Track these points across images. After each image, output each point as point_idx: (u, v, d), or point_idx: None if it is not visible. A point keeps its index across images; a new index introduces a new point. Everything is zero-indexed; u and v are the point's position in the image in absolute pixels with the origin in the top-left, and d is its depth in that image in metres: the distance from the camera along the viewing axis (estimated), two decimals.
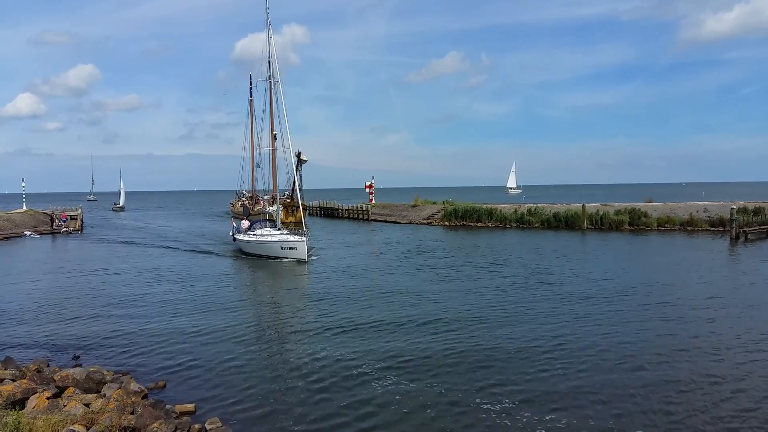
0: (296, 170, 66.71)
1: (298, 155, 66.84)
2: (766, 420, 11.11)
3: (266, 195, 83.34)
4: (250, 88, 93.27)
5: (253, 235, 38.78)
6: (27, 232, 56.91)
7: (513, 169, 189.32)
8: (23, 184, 69.49)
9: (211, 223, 76.80)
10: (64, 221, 63.26)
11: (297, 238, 35.66)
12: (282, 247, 35.61)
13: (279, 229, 39.49)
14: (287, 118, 39.52)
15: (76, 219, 65.71)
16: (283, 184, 77.69)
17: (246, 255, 38.09)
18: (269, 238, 36.85)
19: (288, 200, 69.58)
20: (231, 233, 42.36)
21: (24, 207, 67.43)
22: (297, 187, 69.57)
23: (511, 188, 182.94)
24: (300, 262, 34.39)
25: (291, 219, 66.17)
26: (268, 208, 44.18)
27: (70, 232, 60.75)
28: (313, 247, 36.79)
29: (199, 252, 41.02)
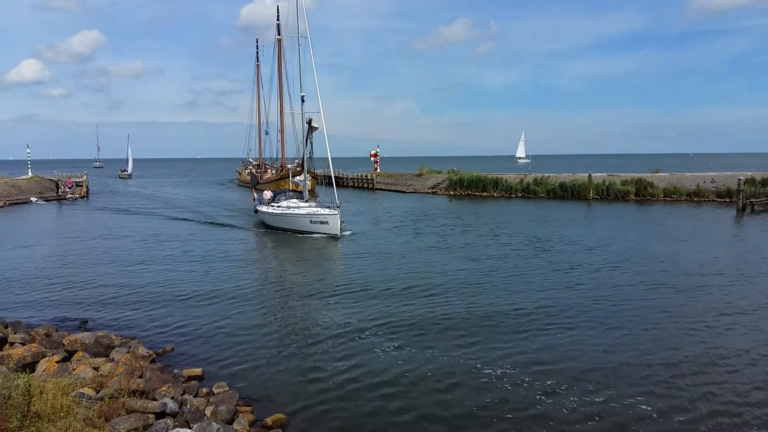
0: (307, 138, 65.98)
1: (309, 122, 64.66)
2: (751, 385, 11.20)
3: (274, 163, 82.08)
4: (257, 52, 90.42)
5: (278, 207, 35.61)
6: (33, 199, 57.12)
7: (522, 138, 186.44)
8: (28, 151, 69.50)
9: (221, 191, 76.32)
10: (70, 188, 63.41)
11: (328, 211, 32.28)
12: (312, 221, 32.45)
13: (306, 201, 36.16)
14: (313, 81, 36.58)
15: (82, 186, 65.87)
16: (293, 152, 76.31)
17: (269, 229, 35.32)
18: (297, 211, 33.61)
19: (298, 169, 68.52)
20: (256, 205, 38.54)
21: (29, 173, 67.53)
22: (308, 156, 68.47)
23: (520, 158, 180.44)
24: (332, 237, 31.35)
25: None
26: (294, 179, 40.12)
27: (76, 199, 60.95)
28: (344, 221, 33.43)
29: (216, 224, 38.51)
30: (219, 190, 78.21)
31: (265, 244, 30.91)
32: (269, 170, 79.91)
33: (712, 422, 9.93)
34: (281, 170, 73.66)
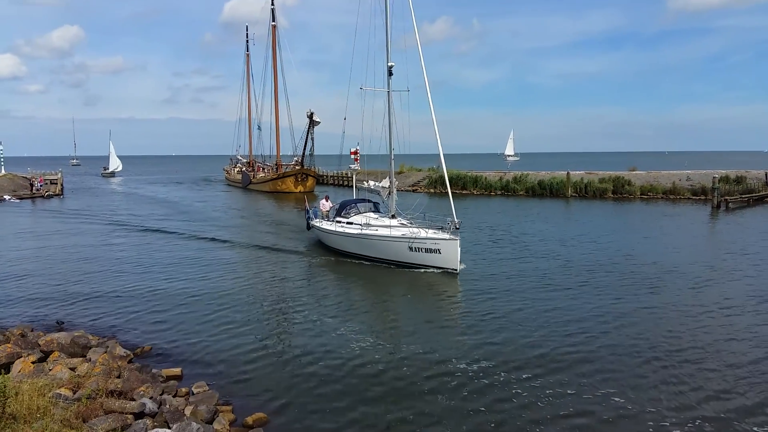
0: (308, 133, 60.65)
1: (310, 116, 58.54)
2: (723, 380, 11.48)
3: (266, 161, 75.44)
4: (247, 41, 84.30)
5: (349, 224, 25.57)
6: (6, 197, 56.05)
7: (511, 136, 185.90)
8: (0, 148, 68.17)
9: (225, 193, 68.46)
10: (42, 185, 62.30)
11: (438, 234, 22.15)
12: (413, 248, 22.37)
13: (392, 217, 25.83)
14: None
15: (56, 183, 64.77)
16: (289, 149, 68.44)
17: (333, 253, 25.79)
18: (388, 232, 23.29)
19: (298, 167, 64.09)
20: (309, 219, 29.51)
21: (2, 171, 66.22)
22: (308, 153, 61.20)
23: (509, 155, 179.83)
24: (448, 273, 21.50)
25: (300, 188, 61.99)
26: (368, 183, 29.59)
27: (51, 197, 59.99)
28: None
29: (261, 247, 28.10)
30: (223, 192, 70.92)
31: (329, 272, 22.63)
32: (261, 169, 75.37)
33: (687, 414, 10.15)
34: (276, 169, 69.17)
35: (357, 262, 24.03)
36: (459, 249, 21.46)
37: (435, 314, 16.67)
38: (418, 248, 22.24)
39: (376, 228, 24.06)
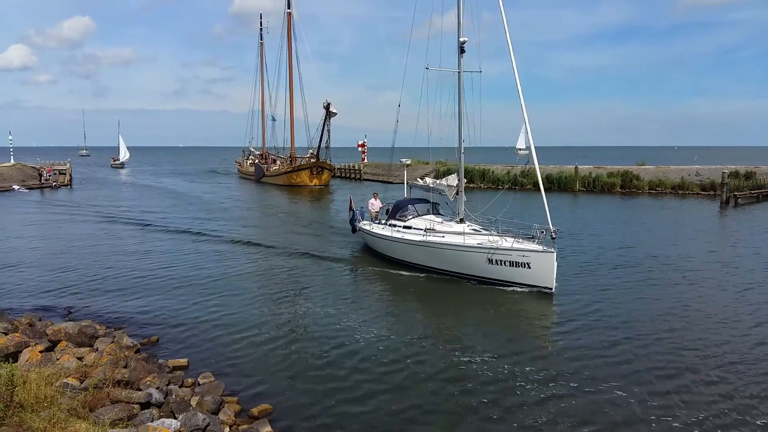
0: (324, 124, 58.48)
1: (327, 107, 56.18)
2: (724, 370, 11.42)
3: (279, 153, 74.01)
4: (261, 30, 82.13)
5: (406, 228, 22.03)
6: (15, 186, 56.46)
7: (523, 130, 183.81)
8: (10, 138, 68.63)
9: (237, 186, 67.49)
10: (51, 176, 62.70)
11: (527, 245, 18.25)
12: (492, 260, 18.48)
13: (463, 221, 22.18)
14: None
15: (65, 173, 65.16)
16: (304, 141, 66.76)
17: (384, 259, 22.64)
18: (460, 240, 19.41)
19: (313, 160, 62.22)
20: (355, 220, 25.57)
21: (11, 161, 66.63)
22: (324, 145, 58.69)
23: (520, 149, 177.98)
24: (542, 292, 17.69)
25: (315, 182, 60.94)
26: (425, 180, 26.53)
27: (59, 187, 60.42)
28: None
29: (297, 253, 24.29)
30: (225, 183, 71.25)
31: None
32: (275, 161, 73.92)
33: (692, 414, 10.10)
34: (291, 161, 67.87)
35: (416, 273, 20.37)
36: (556, 263, 17.51)
37: (519, 337, 13.95)
38: (501, 261, 18.24)
39: (442, 234, 20.22)
